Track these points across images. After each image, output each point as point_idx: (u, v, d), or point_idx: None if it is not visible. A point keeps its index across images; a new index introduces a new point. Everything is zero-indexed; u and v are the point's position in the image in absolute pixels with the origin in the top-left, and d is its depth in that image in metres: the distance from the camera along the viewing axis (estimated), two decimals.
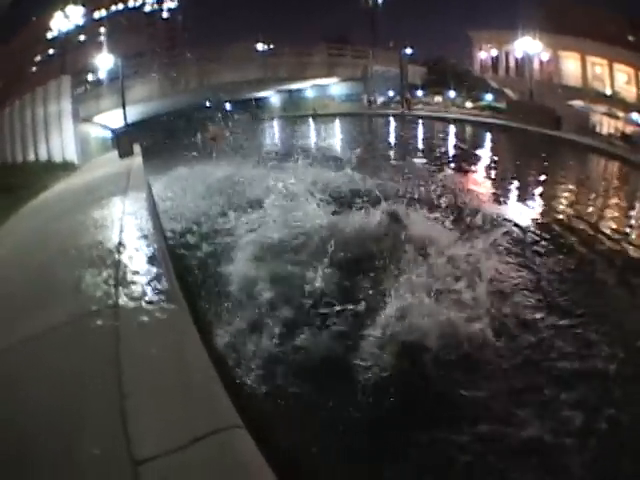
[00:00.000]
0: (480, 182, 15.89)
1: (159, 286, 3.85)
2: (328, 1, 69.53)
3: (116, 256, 4.82)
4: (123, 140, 20.84)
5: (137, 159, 18.03)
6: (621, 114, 28.06)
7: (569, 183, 16.15)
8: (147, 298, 3.62)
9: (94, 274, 4.39)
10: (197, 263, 8.60)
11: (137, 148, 20.86)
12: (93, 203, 8.54)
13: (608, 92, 32.26)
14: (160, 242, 5.42)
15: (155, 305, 3.48)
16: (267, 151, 25.51)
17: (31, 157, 24.09)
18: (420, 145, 27.28)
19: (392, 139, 32.75)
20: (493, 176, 16.97)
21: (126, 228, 6.03)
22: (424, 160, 20.23)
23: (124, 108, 26.38)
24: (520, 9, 35.99)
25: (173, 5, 74.89)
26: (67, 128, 24.90)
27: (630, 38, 30.95)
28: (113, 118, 30.37)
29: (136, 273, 4.19)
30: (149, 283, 3.92)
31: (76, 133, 25.29)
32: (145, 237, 5.42)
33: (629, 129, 25.80)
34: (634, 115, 27.14)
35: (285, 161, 16.95)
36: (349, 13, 73.75)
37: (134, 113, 31.38)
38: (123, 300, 3.68)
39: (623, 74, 31.96)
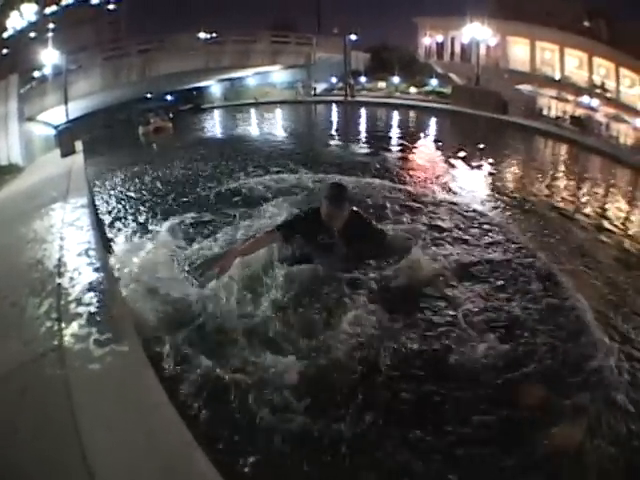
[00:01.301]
0: (420, 163, 15.80)
1: (106, 320, 3.42)
2: None
3: (57, 280, 4.36)
4: (65, 138, 20.07)
5: (79, 157, 17.35)
6: (571, 97, 28.60)
7: (510, 162, 16.40)
8: (95, 337, 3.18)
9: (34, 305, 3.95)
10: None
11: (79, 145, 20.19)
12: (32, 212, 7.97)
13: (557, 77, 32.78)
14: (103, 257, 4.96)
15: (105, 346, 3.07)
16: (207, 142, 25.46)
17: None
18: (361, 131, 27.07)
19: (332, 126, 32.48)
20: (434, 158, 16.86)
21: (66, 243, 5.56)
22: (363, 145, 20.05)
23: (66, 104, 25.78)
24: None
25: None
26: (12, 129, 24.27)
27: (586, 24, 31.54)
28: (57, 115, 29.64)
29: (79, 303, 3.74)
30: (94, 315, 3.49)
31: (21, 133, 24.60)
32: (87, 253, 4.95)
33: (578, 112, 26.36)
34: (584, 98, 27.66)
35: (224, 151, 17.71)
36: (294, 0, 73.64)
37: (77, 108, 30.75)
38: (69, 340, 3.24)
39: (574, 59, 32.71)
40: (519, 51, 37.04)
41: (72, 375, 2.82)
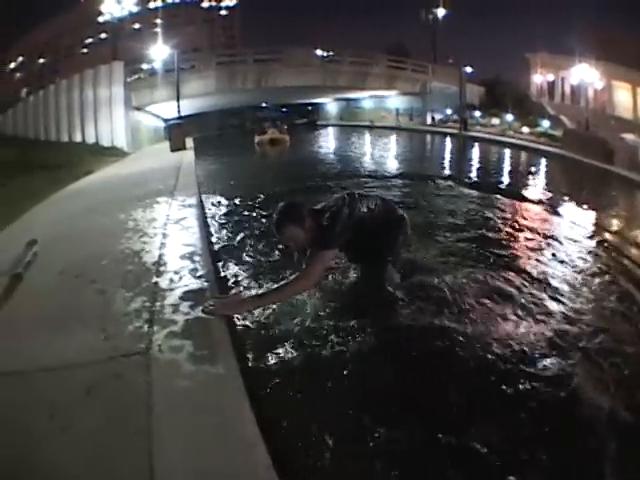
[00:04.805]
0: (530, 211, 15.05)
1: (204, 338, 3.08)
2: (389, 13, 70.48)
3: (154, 279, 4.13)
4: (175, 133, 20.55)
5: (189, 155, 17.58)
6: None
7: (620, 219, 15.42)
8: (188, 351, 2.88)
9: (124, 300, 3.72)
10: None
11: (190, 142, 20.48)
12: (135, 201, 7.98)
13: None
14: (208, 264, 4.66)
15: (199, 363, 2.76)
16: (322, 161, 25.02)
17: (77, 138, 24.37)
18: (475, 169, 26.33)
19: (446, 161, 31.57)
20: (544, 205, 16.05)
21: (169, 241, 5.37)
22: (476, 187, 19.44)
23: (178, 100, 26.32)
24: (575, 35, 35.44)
25: (232, 3, 76.05)
26: (118, 114, 25.31)
27: None
28: (166, 109, 30.38)
29: (176, 309, 3.46)
30: (191, 326, 3.20)
31: (127, 120, 25.62)
32: (191, 257, 4.68)
33: None
34: None
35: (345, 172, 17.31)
36: (409, 26, 74.37)
37: (188, 106, 31.37)
38: (158, 347, 2.93)
39: None
40: (622, 97, 35.59)
41: (156, 387, 2.58)
